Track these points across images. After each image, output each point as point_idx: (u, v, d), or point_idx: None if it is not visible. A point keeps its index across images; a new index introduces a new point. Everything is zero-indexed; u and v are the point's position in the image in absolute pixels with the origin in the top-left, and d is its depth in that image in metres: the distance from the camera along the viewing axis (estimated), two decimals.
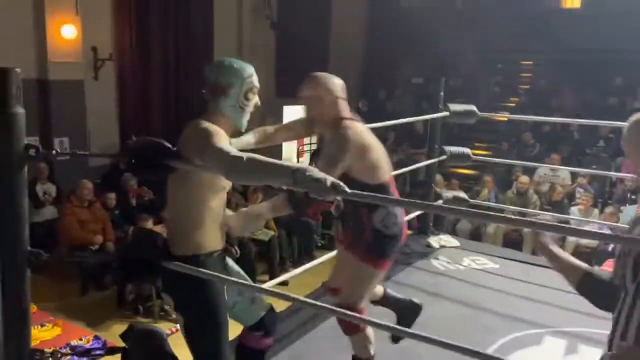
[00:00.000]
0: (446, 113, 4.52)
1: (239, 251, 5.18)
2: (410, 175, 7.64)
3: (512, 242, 6.92)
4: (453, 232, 6.53)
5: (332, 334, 2.69)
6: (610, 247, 6.10)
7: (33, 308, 2.09)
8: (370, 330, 2.47)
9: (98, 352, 2.25)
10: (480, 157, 5.85)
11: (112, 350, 2.09)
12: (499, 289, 3.92)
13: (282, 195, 2.16)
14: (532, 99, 10.56)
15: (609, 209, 6.76)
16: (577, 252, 6.60)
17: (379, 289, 2.74)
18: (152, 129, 8.00)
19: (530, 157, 8.13)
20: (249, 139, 2.44)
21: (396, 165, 3.64)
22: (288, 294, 1.68)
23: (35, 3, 6.93)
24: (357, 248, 2.41)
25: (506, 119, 9.44)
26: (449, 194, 4.73)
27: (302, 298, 1.79)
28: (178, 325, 2.07)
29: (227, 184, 2.03)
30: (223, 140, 1.86)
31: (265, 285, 3.28)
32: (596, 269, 1.78)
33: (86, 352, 2.42)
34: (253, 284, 2.48)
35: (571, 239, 6.63)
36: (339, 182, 1.48)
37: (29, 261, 1.75)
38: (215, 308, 1.98)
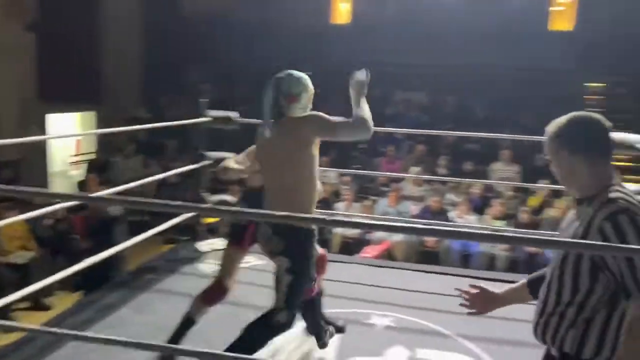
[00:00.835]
0: (208, 118, 4.71)
1: None
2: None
3: None
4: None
5: None
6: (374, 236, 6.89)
7: None
8: None
9: None
10: None
11: None
12: (265, 284, 4.08)
13: None
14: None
15: (366, 202, 7.69)
16: (343, 242, 7.38)
17: None
18: None
19: None
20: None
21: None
22: None
23: None
24: None
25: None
26: (214, 197, 4.88)
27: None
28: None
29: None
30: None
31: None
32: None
33: None
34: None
35: (338, 230, 7.34)
36: None
37: None
38: (313, 256, 2.61)
